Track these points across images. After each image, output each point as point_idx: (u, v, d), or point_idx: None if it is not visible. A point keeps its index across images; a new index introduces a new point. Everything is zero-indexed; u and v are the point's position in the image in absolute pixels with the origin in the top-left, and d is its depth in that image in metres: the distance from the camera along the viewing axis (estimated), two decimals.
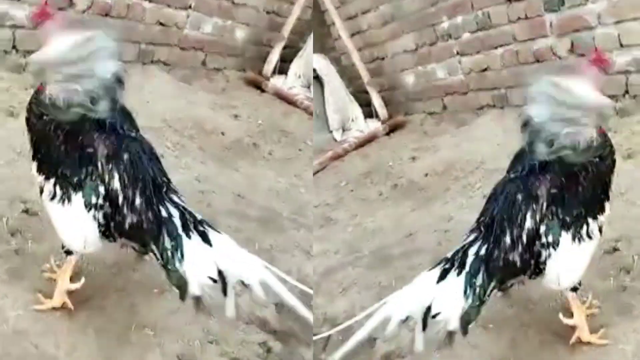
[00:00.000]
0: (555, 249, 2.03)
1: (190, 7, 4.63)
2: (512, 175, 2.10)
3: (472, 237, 2.10)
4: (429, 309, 2.01)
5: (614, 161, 2.08)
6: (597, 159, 2.02)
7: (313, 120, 4.67)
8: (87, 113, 2.01)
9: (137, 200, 2.02)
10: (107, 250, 2.17)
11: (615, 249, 2.64)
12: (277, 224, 3.17)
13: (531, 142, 2.02)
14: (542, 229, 2.03)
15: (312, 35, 5.04)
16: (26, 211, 2.59)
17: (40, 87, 2.06)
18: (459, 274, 2.04)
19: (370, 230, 3.57)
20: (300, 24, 5.29)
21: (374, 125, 5.13)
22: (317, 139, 4.65)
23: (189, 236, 2.03)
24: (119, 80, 2.04)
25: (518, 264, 2.04)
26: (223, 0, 4.91)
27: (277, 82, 5.01)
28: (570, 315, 2.21)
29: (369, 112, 5.25)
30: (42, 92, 2.04)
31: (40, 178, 2.06)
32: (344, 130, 5.17)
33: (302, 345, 2.21)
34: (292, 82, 5.01)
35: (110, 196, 2.02)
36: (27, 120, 2.08)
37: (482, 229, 2.09)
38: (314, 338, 2.17)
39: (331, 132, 5.12)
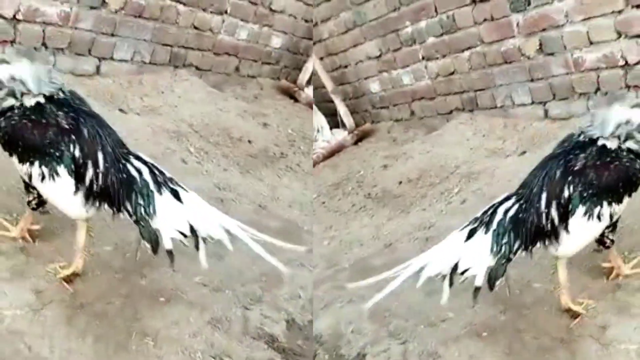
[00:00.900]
0: (570, 218, 2.21)
1: (226, 12, 4.57)
2: (556, 152, 2.30)
3: (503, 197, 2.27)
4: (456, 265, 2.16)
5: None
6: (633, 156, 2.21)
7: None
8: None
9: (103, 163, 2.17)
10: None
11: None
12: (296, 237, 3.10)
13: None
14: (568, 197, 2.20)
15: None
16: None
17: None
18: (486, 231, 2.20)
19: (347, 243, 3.47)
20: None
21: (340, 135, 5.04)
22: None
23: (160, 192, 2.18)
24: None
25: (544, 227, 2.20)
26: (260, 7, 4.83)
27: (311, 92, 4.92)
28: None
29: (335, 121, 5.16)
30: None
31: (25, 166, 2.18)
32: None
33: None
34: None
35: (78, 163, 2.16)
36: None
37: (519, 192, 2.27)
38: None
39: None
